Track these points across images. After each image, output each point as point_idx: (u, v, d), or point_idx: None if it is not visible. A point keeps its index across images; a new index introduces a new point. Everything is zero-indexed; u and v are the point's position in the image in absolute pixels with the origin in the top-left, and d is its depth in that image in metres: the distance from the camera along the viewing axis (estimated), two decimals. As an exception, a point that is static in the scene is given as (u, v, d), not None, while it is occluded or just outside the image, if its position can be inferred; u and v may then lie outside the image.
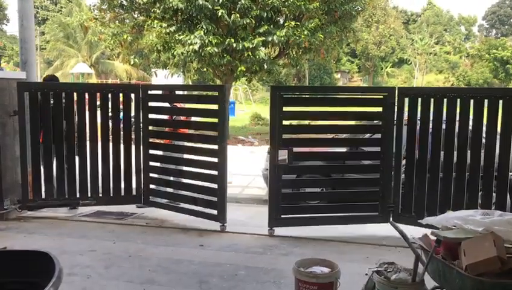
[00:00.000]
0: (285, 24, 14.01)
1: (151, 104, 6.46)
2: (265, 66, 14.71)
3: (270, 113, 5.53)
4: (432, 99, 5.35)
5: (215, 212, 5.89)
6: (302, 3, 13.49)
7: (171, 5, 13.39)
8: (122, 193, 6.46)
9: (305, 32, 13.72)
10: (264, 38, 13.72)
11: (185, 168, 6.45)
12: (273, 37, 13.69)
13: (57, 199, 6.30)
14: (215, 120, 5.80)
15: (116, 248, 5.10)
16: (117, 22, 15.44)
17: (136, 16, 15.55)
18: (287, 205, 5.82)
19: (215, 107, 5.83)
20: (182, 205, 6.30)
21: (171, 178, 6.58)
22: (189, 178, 6.35)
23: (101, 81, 37.97)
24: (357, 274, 4.11)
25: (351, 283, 3.75)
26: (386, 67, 61.28)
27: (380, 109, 5.61)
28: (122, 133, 6.47)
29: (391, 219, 5.48)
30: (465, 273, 2.81)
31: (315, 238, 5.54)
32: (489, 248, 2.82)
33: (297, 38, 13.75)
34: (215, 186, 5.87)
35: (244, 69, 14.45)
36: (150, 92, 6.53)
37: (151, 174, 6.48)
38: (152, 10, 14.09)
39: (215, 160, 5.81)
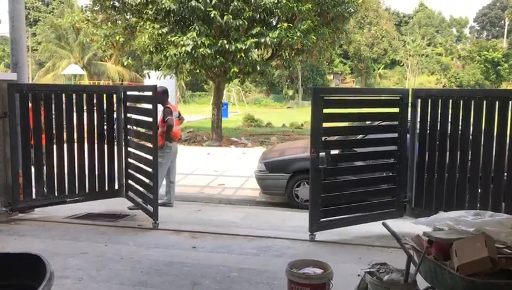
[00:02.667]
0: (278, 26, 14.04)
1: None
2: (258, 68, 14.73)
3: (311, 115, 5.41)
4: (440, 100, 5.53)
5: (151, 209, 6.06)
6: (295, 4, 13.54)
7: (163, 6, 13.39)
8: (106, 189, 6.81)
9: (298, 34, 13.76)
10: (256, 39, 13.73)
11: (142, 166, 6.59)
12: (265, 39, 13.71)
13: (46, 198, 6.33)
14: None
15: (108, 250, 5.07)
16: (109, 23, 15.41)
17: (128, 17, 15.51)
18: (326, 208, 5.67)
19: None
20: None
21: (138, 175, 6.73)
22: (143, 175, 6.56)
23: (93, 82, 37.84)
24: (349, 275, 4.12)
25: (344, 284, 3.76)
26: (379, 69, 61.58)
27: (397, 110, 5.80)
28: (105, 132, 6.76)
29: (407, 213, 5.83)
30: (457, 274, 2.82)
31: (308, 239, 5.55)
32: (480, 249, 2.84)
33: (290, 39, 13.78)
34: (151, 183, 6.11)
35: (237, 71, 14.46)
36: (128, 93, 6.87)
37: (129, 171, 6.81)
38: (144, 11, 14.07)
39: (150, 158, 6.02)
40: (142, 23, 14.14)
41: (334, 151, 6.57)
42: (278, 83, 53.36)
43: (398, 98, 5.84)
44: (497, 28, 73.92)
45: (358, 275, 3.58)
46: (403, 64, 59.44)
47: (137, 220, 6.38)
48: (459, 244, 2.95)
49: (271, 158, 8.40)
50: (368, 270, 3.18)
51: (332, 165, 5.55)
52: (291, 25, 14.10)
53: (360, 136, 6.93)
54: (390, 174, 6.00)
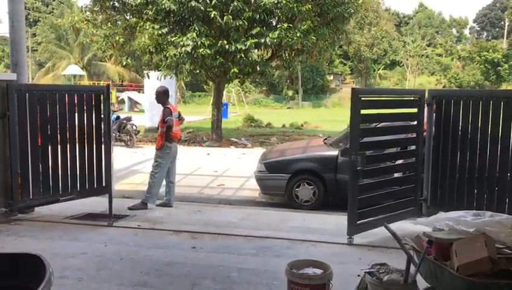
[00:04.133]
0: (278, 26, 14.03)
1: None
2: (258, 68, 14.73)
3: (350, 116, 5.34)
4: (452, 101, 5.59)
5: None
6: (295, 5, 13.53)
7: (163, 6, 13.38)
8: (95, 186, 6.83)
9: (298, 34, 13.75)
10: (256, 40, 13.73)
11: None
12: (265, 39, 13.71)
13: (43, 198, 6.34)
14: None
15: (107, 251, 5.07)
16: (109, 23, 15.39)
17: (128, 17, 15.50)
18: (363, 210, 5.61)
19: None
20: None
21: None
22: None
23: (93, 83, 37.88)
24: (349, 276, 4.12)
25: (344, 285, 3.76)
26: (378, 69, 61.60)
27: (415, 110, 5.87)
28: (95, 132, 6.78)
29: (423, 211, 5.87)
30: (457, 274, 2.82)
31: (308, 240, 5.55)
32: (480, 249, 2.84)
33: (290, 40, 13.78)
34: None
35: (237, 71, 14.45)
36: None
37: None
38: (144, 12, 14.06)
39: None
40: (142, 23, 14.13)
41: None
42: (277, 84, 53.37)
43: (418, 98, 5.91)
44: (497, 29, 73.94)
45: (358, 276, 3.58)
46: (403, 65, 59.47)
47: (137, 220, 6.39)
48: (459, 244, 2.95)
49: (271, 159, 8.40)
50: (368, 270, 3.18)
51: (367, 167, 5.51)
52: (291, 25, 14.09)
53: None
54: (411, 173, 6.04)
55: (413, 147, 6.09)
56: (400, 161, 6.61)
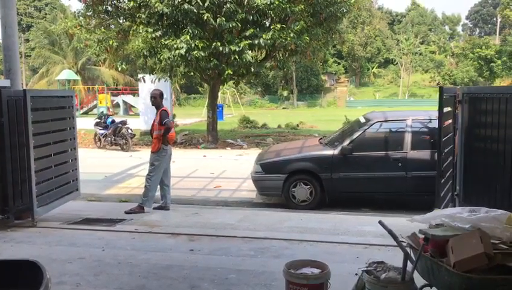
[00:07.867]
0: (271, 27, 14.04)
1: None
2: (253, 69, 14.73)
3: (438, 115, 5.55)
4: (483, 98, 5.62)
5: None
6: (288, 6, 13.55)
7: (156, 10, 13.37)
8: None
9: (291, 35, 13.77)
10: (250, 41, 13.73)
11: None
12: (259, 40, 13.71)
13: (23, 203, 6.31)
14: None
15: (105, 255, 5.06)
16: (102, 28, 15.36)
17: (121, 21, 15.48)
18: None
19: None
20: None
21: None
22: None
23: (87, 87, 37.81)
24: (347, 274, 4.13)
25: (342, 284, 3.77)
26: (372, 68, 61.78)
27: (449, 108, 5.96)
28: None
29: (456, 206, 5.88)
30: (453, 270, 2.83)
31: (306, 239, 5.56)
32: (476, 245, 2.85)
33: (284, 40, 13.79)
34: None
35: (231, 72, 14.45)
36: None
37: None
38: (137, 15, 14.04)
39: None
40: (135, 27, 14.12)
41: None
42: (272, 84, 53.44)
43: (451, 96, 5.95)
44: (490, 25, 74.37)
45: (356, 274, 3.59)
46: (397, 63, 59.63)
47: (134, 224, 6.37)
48: (455, 241, 2.97)
49: (267, 159, 8.41)
50: (366, 269, 3.19)
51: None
52: (284, 26, 14.11)
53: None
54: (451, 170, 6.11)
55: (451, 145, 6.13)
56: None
